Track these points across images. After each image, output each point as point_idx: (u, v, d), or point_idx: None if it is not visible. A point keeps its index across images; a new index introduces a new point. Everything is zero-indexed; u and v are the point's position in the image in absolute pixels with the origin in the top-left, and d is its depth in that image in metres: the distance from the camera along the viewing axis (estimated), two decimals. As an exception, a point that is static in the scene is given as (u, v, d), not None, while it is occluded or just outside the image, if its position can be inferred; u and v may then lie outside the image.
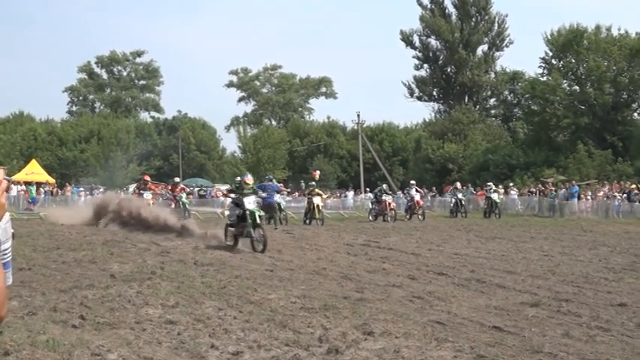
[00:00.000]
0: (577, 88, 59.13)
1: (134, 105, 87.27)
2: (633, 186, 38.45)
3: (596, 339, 8.04)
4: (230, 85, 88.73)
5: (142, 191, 30.19)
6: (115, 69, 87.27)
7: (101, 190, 46.85)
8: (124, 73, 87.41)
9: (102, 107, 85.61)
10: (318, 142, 72.67)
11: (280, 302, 9.84)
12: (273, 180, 30.12)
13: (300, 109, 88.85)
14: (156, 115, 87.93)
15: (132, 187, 38.24)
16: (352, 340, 7.53)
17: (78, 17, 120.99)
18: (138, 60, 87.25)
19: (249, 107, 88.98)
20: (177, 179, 33.76)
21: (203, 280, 11.60)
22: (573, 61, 58.50)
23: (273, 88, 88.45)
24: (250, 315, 8.78)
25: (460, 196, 37.12)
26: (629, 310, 9.51)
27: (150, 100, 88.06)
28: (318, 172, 35.83)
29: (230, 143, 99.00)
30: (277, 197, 27.94)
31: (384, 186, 35.42)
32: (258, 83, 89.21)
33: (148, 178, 33.37)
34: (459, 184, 39.83)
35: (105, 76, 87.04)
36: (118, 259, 14.29)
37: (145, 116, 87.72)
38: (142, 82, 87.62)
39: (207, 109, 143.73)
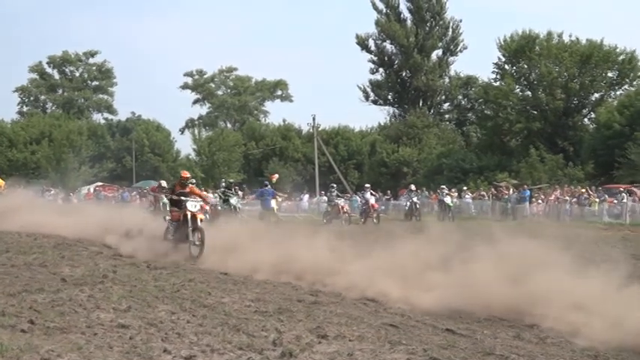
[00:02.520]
0: (529, 93, 60.08)
1: (87, 106, 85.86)
2: (583, 190, 39.11)
3: (546, 341, 8.17)
4: (185, 87, 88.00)
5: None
6: (67, 69, 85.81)
7: (52, 192, 46.05)
8: (77, 74, 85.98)
9: (53, 108, 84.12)
10: (273, 145, 72.49)
11: (234, 306, 9.79)
12: (269, 186, 30.83)
13: (255, 111, 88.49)
14: (109, 116, 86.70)
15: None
16: (306, 343, 7.52)
17: (29, 16, 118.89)
18: (91, 60, 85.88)
19: (204, 109, 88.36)
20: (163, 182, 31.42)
21: (156, 284, 11.47)
22: (526, 66, 59.41)
23: (229, 91, 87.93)
24: (204, 319, 8.72)
25: (415, 199, 37.38)
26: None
27: (103, 102, 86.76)
28: (276, 175, 35.73)
29: (185, 146, 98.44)
30: (234, 200, 28.25)
31: (334, 186, 35.77)
32: (214, 85, 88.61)
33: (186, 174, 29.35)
34: (413, 186, 40.09)
35: (57, 76, 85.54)
36: (69, 262, 14.03)
37: (97, 118, 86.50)
38: (95, 82, 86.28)
39: (162, 111, 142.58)
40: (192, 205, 16.28)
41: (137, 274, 12.56)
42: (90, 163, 71.15)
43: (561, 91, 57.56)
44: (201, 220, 16.30)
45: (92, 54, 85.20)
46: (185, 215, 16.09)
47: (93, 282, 11.37)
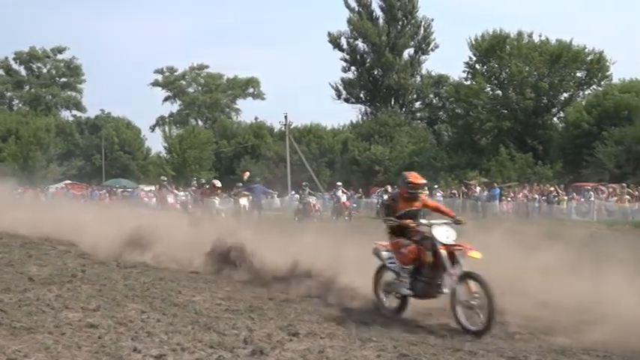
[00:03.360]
0: (500, 92, 60.52)
1: (55, 103, 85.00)
2: (552, 188, 39.52)
3: (514, 337, 8.24)
4: (155, 84, 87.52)
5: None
6: (34, 65, 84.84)
7: (19, 190, 45.49)
8: (44, 70, 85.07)
9: (20, 105, 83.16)
10: (245, 143, 72.34)
11: (205, 304, 9.74)
12: (260, 183, 31.55)
13: (227, 109, 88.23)
14: (78, 113, 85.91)
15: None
16: (277, 341, 7.52)
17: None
18: (59, 57, 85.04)
19: (174, 107, 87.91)
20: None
21: (126, 283, 11.37)
22: (496, 66, 59.82)
23: (200, 88, 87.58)
24: (174, 317, 8.66)
25: (385, 197, 37.45)
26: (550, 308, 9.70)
27: (71, 99, 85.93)
28: (247, 173, 35.66)
29: (155, 143, 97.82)
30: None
31: (306, 184, 35.87)
32: (184, 83, 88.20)
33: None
34: (389, 188, 40.28)
35: (24, 72, 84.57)
36: (37, 261, 13.84)
37: (66, 115, 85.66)
38: (63, 79, 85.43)
39: (132, 108, 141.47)
40: (443, 233, 9.18)
41: (106, 273, 12.43)
42: (58, 161, 70.50)
43: (531, 91, 58.06)
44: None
45: (60, 50, 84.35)
46: (436, 252, 9.00)
47: (61, 281, 11.23)
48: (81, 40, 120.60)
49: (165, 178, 35.27)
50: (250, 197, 29.61)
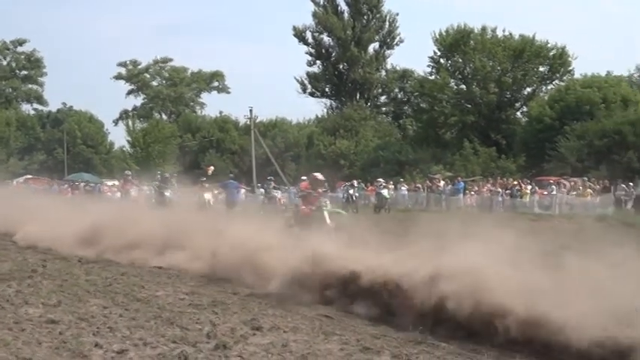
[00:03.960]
0: (464, 87, 61.00)
1: (15, 96, 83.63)
2: (515, 182, 39.95)
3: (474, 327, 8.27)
4: (118, 77, 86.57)
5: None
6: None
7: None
8: (4, 63, 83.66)
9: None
10: (209, 137, 71.98)
11: (168, 299, 9.69)
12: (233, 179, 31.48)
13: (191, 103, 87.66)
14: (39, 107, 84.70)
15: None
16: (241, 335, 7.50)
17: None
18: (19, 49, 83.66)
19: (138, 101, 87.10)
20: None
21: (87, 278, 11.27)
22: (460, 60, 60.26)
23: (164, 82, 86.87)
24: (137, 313, 8.59)
25: (351, 191, 37.59)
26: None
27: (32, 92, 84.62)
28: (212, 167, 35.49)
29: (118, 137, 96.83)
30: (168, 192, 28.26)
31: (271, 178, 35.95)
32: (148, 76, 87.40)
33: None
34: (355, 182, 40.47)
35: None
36: (-4, 257, 13.70)
37: (27, 108, 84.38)
38: (24, 72, 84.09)
39: (95, 101, 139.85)
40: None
41: (68, 269, 12.31)
42: (19, 155, 69.48)
43: (494, 85, 58.64)
44: None
45: (20, 42, 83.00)
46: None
47: (21, 277, 11.11)
48: (42, 32, 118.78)
49: (130, 173, 35.11)
50: (217, 192, 29.54)
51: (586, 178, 38.82)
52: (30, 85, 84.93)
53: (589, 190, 36.50)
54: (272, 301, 9.62)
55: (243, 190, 33.29)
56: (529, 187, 38.49)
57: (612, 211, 33.18)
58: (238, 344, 7.11)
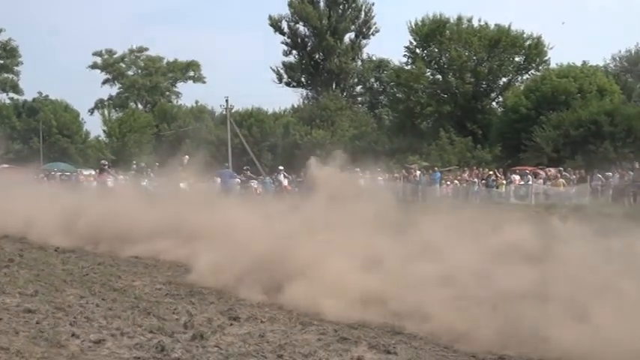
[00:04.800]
0: (440, 77, 61.20)
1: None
2: (491, 172, 40.21)
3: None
4: (94, 66, 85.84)
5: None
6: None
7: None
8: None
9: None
10: (185, 127, 71.68)
11: (145, 289, 9.68)
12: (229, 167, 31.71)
13: (167, 92, 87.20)
14: (15, 96, 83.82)
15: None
16: (218, 325, 7.52)
17: None
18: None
19: (114, 90, 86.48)
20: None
21: (64, 268, 11.24)
22: (436, 50, 60.43)
23: (140, 71, 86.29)
24: (114, 302, 8.59)
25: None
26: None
27: (8, 81, 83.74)
28: (187, 157, 35.38)
29: (94, 127, 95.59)
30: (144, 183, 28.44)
31: (248, 168, 36.04)
32: (124, 65, 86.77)
33: None
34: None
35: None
36: (-28, 246, 13.61)
37: (2, 97, 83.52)
38: (0, 61, 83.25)
39: (70, 91, 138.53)
40: None
41: (45, 258, 12.27)
42: (-6, 144, 68.69)
43: (470, 75, 58.91)
44: None
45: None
46: None
47: (-2, 266, 11.06)
48: (17, 21, 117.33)
49: (106, 162, 34.90)
50: (191, 181, 29.46)
51: (561, 169, 39.17)
52: (5, 75, 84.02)
53: (561, 180, 36.82)
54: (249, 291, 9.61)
55: (237, 180, 33.61)
56: (514, 176, 38.68)
57: (588, 201, 33.46)
58: (215, 334, 7.14)
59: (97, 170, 34.28)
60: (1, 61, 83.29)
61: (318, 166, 13.73)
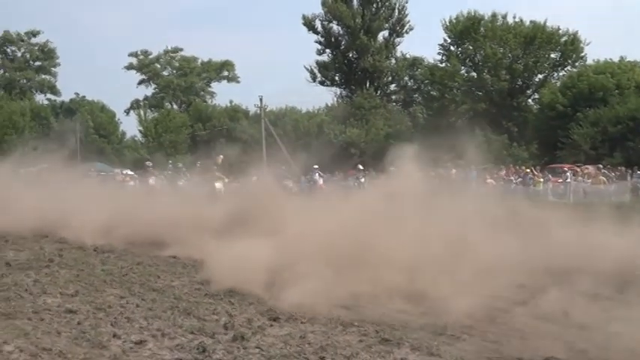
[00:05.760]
0: (474, 74, 60.74)
1: (29, 87, 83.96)
2: (528, 170, 39.77)
3: (496, 320, 8.26)
4: (130, 67, 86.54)
5: None
6: (8, 49, 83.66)
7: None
8: (19, 54, 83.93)
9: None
10: (220, 127, 71.96)
11: (184, 289, 9.69)
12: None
13: (202, 92, 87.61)
14: (52, 97, 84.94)
15: None
16: (258, 326, 7.50)
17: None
18: (33, 40, 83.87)
19: (149, 90, 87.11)
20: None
21: (104, 268, 11.29)
22: (471, 48, 60.02)
23: (175, 72, 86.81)
24: (153, 303, 8.61)
25: (362, 180, 37.57)
26: (527, 291, 9.75)
27: (46, 82, 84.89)
28: (221, 156, 35.52)
29: (130, 127, 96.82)
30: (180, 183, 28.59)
31: (283, 168, 36.02)
32: (159, 66, 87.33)
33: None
34: (361, 166, 40.33)
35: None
36: (13, 246, 13.74)
37: (40, 99, 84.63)
38: (38, 63, 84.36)
39: (106, 91, 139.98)
40: None
41: (84, 258, 12.34)
42: (33, 144, 69.64)
43: (506, 72, 58.38)
44: None
45: (34, 34, 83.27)
46: None
47: (39, 266, 11.15)
48: (55, 23, 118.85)
49: (150, 164, 35.71)
50: (226, 180, 29.52)
51: (600, 166, 38.60)
52: (43, 76, 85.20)
53: (602, 177, 36.28)
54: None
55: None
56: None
57: (629, 199, 32.94)
58: (256, 335, 7.12)
59: (141, 170, 35.14)
60: (39, 63, 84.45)
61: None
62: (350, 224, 11.02)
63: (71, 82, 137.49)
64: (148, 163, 36.04)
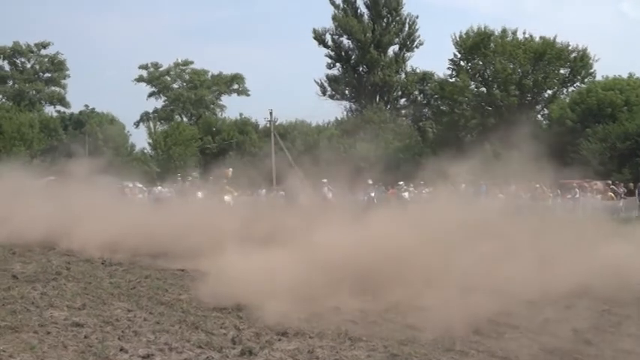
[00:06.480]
0: (484, 89, 60.67)
1: (38, 98, 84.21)
2: (537, 185, 39.59)
3: (504, 336, 8.19)
4: (140, 79, 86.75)
5: None
6: (18, 60, 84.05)
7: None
8: (28, 65, 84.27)
9: (3, 100, 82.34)
10: (230, 140, 72.08)
11: (192, 303, 9.64)
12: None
13: (212, 105, 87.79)
14: (62, 109, 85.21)
15: None
16: (266, 340, 7.45)
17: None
18: (43, 52, 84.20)
19: (159, 103, 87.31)
20: None
21: (111, 281, 11.27)
22: (481, 63, 59.98)
23: (185, 84, 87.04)
24: (161, 316, 8.57)
25: (372, 194, 37.49)
26: (537, 307, 9.67)
27: (55, 94, 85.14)
28: (230, 169, 35.55)
29: (140, 139, 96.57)
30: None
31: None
32: (169, 79, 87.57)
33: None
34: (370, 181, 40.19)
35: (7, 67, 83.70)
36: (21, 258, 13.72)
37: (50, 110, 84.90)
38: (47, 74, 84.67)
39: (116, 104, 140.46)
40: None
41: (92, 271, 12.32)
42: (42, 156, 69.85)
43: (515, 88, 58.32)
44: None
45: (44, 45, 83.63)
46: None
47: (46, 279, 11.13)
48: (65, 35, 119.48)
49: (197, 175, 35.30)
50: (236, 194, 29.58)
51: (609, 182, 38.46)
52: (53, 88, 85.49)
53: (611, 193, 36.15)
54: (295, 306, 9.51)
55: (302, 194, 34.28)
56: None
57: (638, 214, 32.82)
58: (264, 350, 7.07)
59: (185, 183, 35.02)
60: (49, 75, 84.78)
61: None
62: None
63: (81, 94, 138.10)
64: (194, 174, 35.48)
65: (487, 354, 7.24)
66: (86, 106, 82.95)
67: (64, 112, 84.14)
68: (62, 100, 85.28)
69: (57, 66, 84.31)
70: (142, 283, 11.14)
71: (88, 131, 74.90)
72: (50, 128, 75.47)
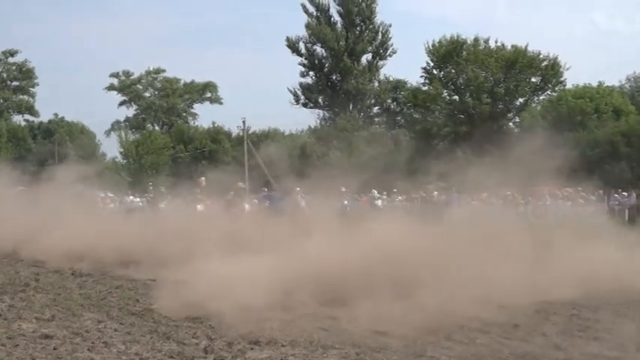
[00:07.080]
0: (457, 97, 61.11)
1: (6, 107, 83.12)
2: (508, 192, 39.87)
3: (476, 342, 8.22)
4: (110, 88, 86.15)
5: None
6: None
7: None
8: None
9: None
10: (202, 148, 71.84)
11: (163, 313, 9.55)
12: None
13: (184, 114, 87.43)
14: (30, 118, 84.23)
15: None
16: (238, 350, 7.41)
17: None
18: (10, 60, 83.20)
19: (130, 111, 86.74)
20: None
21: (81, 292, 11.15)
22: (453, 71, 60.39)
23: (156, 92, 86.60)
24: (132, 327, 8.49)
25: (346, 202, 37.48)
26: (507, 312, 9.72)
27: (24, 103, 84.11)
28: (203, 178, 35.37)
29: (111, 149, 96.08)
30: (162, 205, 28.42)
31: (265, 189, 35.93)
32: (141, 87, 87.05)
33: None
34: (343, 188, 40.17)
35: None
36: (-13, 270, 13.54)
37: (18, 119, 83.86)
38: (15, 83, 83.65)
39: (86, 112, 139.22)
40: None
41: (61, 282, 12.18)
42: (10, 166, 69.15)
43: (487, 96, 58.79)
44: None
45: (12, 53, 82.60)
46: None
47: (14, 290, 10.99)
48: (34, 43, 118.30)
49: (244, 185, 34.31)
50: (208, 203, 29.39)
51: (579, 188, 38.85)
52: (21, 96, 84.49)
53: (581, 200, 36.56)
54: (268, 314, 9.50)
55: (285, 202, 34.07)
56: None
57: (606, 221, 33.16)
58: (236, 359, 7.02)
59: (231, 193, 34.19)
60: (17, 83, 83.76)
61: None
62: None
63: (50, 102, 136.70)
64: (240, 184, 34.49)
65: (458, 359, 7.27)
66: (55, 114, 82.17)
67: (33, 121, 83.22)
68: (31, 109, 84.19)
69: (25, 74, 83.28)
70: (113, 294, 11.04)
71: (57, 140, 74.18)
72: (19, 137, 74.65)
